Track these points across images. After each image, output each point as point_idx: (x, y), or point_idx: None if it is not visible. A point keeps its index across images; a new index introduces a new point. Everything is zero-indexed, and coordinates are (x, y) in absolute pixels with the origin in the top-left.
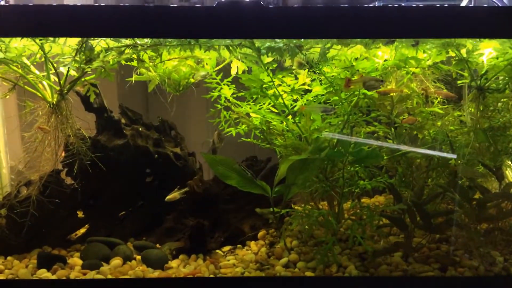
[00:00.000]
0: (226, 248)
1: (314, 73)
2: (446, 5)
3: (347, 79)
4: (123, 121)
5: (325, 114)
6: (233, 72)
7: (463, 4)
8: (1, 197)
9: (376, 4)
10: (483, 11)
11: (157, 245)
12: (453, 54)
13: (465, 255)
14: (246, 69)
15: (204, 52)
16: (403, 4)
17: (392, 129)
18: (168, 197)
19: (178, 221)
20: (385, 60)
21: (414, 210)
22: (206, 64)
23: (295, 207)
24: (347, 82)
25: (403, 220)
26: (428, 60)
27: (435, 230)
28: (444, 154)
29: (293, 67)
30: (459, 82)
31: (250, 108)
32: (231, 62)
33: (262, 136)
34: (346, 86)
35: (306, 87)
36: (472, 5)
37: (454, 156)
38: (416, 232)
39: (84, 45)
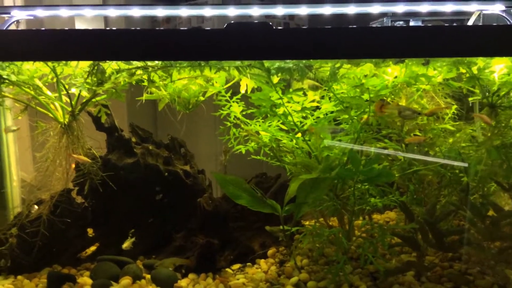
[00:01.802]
0: (236, 266)
1: (323, 90)
2: (455, 25)
3: (381, 104)
4: (133, 139)
5: (335, 134)
6: (242, 90)
7: (472, 20)
8: (12, 216)
9: (385, 20)
10: (493, 30)
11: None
12: (463, 71)
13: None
14: (256, 87)
15: (215, 73)
16: (411, 20)
17: (403, 145)
18: (124, 245)
19: (188, 239)
20: (395, 77)
21: (427, 228)
22: (216, 82)
23: (305, 223)
24: (380, 107)
25: (416, 239)
26: (438, 76)
27: (448, 248)
28: (455, 163)
29: (304, 87)
30: (470, 99)
31: (260, 126)
32: (240, 80)
33: (271, 154)
34: (378, 111)
35: (316, 104)
36: (480, 20)
37: (465, 164)
38: (429, 250)
39: (95, 67)
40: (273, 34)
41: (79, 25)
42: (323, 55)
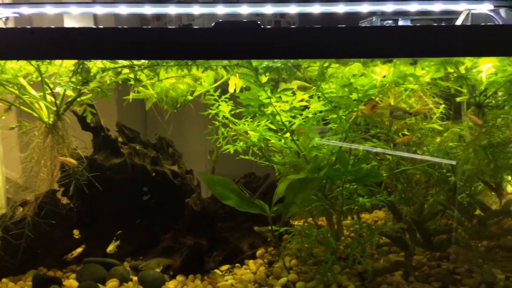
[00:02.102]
0: (224, 267)
1: (312, 89)
2: (443, 25)
3: (372, 105)
4: (120, 139)
5: (323, 134)
6: (230, 89)
7: (460, 19)
8: None
9: (374, 19)
10: (481, 30)
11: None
12: (451, 70)
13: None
14: (244, 86)
15: (202, 72)
16: (400, 19)
17: (391, 145)
18: (108, 249)
19: (176, 240)
20: (383, 77)
21: (414, 228)
22: (204, 81)
23: (294, 223)
24: (371, 107)
25: (404, 239)
26: (426, 76)
27: (436, 248)
28: (444, 160)
29: (293, 88)
30: (458, 98)
31: (248, 126)
32: (229, 79)
33: (260, 153)
34: (370, 111)
35: (304, 103)
36: (469, 20)
37: (453, 163)
38: (416, 249)
39: (80, 66)
40: (261, 33)
41: (68, 23)
42: (311, 54)
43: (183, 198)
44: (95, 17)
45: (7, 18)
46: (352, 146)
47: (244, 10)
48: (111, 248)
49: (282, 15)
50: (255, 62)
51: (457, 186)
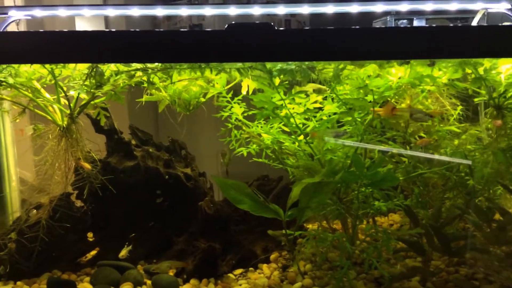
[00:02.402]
0: (238, 271)
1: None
2: (461, 25)
3: (392, 107)
4: (133, 142)
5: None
6: (243, 91)
7: (476, 18)
8: (11, 220)
9: (388, 18)
10: (499, 30)
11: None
12: (469, 71)
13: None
14: (257, 88)
15: (216, 75)
16: (414, 19)
17: (408, 147)
18: (120, 254)
19: (189, 243)
20: (399, 78)
21: (432, 233)
22: (217, 83)
23: (308, 227)
24: (391, 109)
25: (421, 244)
26: (443, 77)
27: (454, 253)
28: (463, 161)
29: (308, 91)
30: (476, 99)
31: (261, 128)
32: (241, 80)
33: (273, 156)
34: (390, 113)
35: (318, 105)
36: (485, 19)
37: (471, 165)
38: (434, 254)
39: (94, 70)
40: (275, 35)
41: (80, 25)
42: (326, 56)
43: (196, 201)
44: (106, 19)
45: (19, 21)
46: (368, 147)
47: (256, 10)
48: (123, 253)
49: (293, 15)
50: (269, 64)
51: (475, 190)
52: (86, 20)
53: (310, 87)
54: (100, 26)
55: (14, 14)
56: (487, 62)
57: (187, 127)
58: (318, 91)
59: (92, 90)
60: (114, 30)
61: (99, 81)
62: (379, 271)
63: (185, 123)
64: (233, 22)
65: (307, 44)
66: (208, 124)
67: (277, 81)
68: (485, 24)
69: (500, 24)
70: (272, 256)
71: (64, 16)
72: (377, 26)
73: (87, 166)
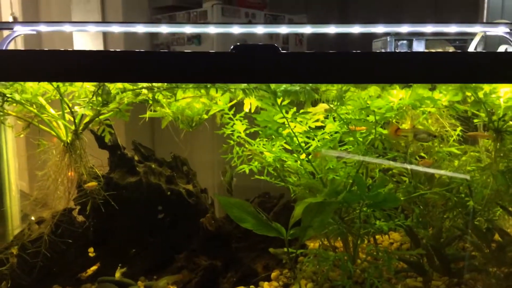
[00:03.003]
0: None
1: (325, 111)
2: (462, 51)
3: (396, 127)
4: (136, 158)
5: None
6: (246, 109)
7: (475, 41)
8: (11, 235)
9: (388, 38)
10: (502, 57)
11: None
12: (469, 94)
13: None
14: (261, 107)
15: (221, 95)
16: (414, 40)
17: (408, 168)
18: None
19: (190, 260)
20: (400, 99)
21: (433, 253)
22: (219, 100)
23: (308, 245)
24: (395, 130)
25: (422, 265)
26: (443, 99)
27: (454, 274)
28: (466, 176)
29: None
30: (475, 120)
31: (263, 146)
32: (243, 98)
33: (275, 173)
34: (394, 134)
35: (319, 123)
36: (482, 43)
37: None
38: (434, 275)
39: (101, 88)
40: (279, 58)
41: (78, 40)
42: (330, 79)
43: (197, 217)
44: (104, 34)
45: (15, 37)
46: (369, 165)
47: (258, 30)
48: (117, 275)
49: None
50: (273, 85)
51: (475, 211)
52: (85, 35)
53: (321, 107)
54: (99, 41)
55: (19, 29)
56: (487, 86)
57: (184, 142)
58: (328, 111)
59: (98, 108)
60: (121, 50)
61: (105, 99)
62: None
63: (182, 139)
64: (238, 44)
65: (311, 67)
66: (205, 140)
67: (279, 101)
68: (483, 47)
69: (501, 51)
70: (273, 274)
71: (66, 33)
72: (377, 46)
73: (93, 184)
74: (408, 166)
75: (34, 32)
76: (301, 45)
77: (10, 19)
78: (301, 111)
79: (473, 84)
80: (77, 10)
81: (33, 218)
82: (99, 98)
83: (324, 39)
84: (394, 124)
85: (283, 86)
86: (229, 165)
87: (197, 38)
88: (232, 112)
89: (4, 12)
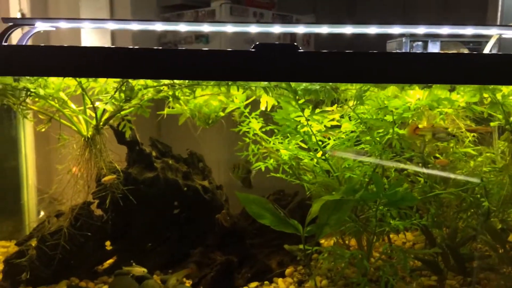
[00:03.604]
0: (253, 284)
1: (342, 109)
2: (481, 54)
3: (415, 127)
4: (153, 153)
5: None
6: (262, 107)
7: (491, 43)
8: (31, 227)
9: (404, 40)
10: None
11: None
12: (486, 95)
13: None
14: (276, 104)
15: (243, 93)
16: (429, 41)
17: (424, 169)
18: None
19: (205, 256)
20: (418, 100)
21: (448, 252)
22: (236, 98)
23: (322, 243)
24: (414, 129)
25: (437, 264)
26: (460, 100)
27: (469, 273)
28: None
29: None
30: (492, 123)
31: (280, 144)
32: (260, 96)
33: (291, 171)
34: (413, 133)
35: (335, 122)
36: (497, 45)
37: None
38: (448, 274)
39: (125, 84)
40: (299, 57)
41: (85, 38)
42: (350, 79)
43: (213, 213)
44: (112, 34)
45: (35, 33)
46: (385, 165)
47: (275, 29)
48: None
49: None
50: (293, 84)
51: (489, 211)
52: (92, 33)
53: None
54: (106, 39)
55: (39, 26)
56: (505, 88)
57: (192, 138)
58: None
59: (121, 104)
60: (146, 47)
61: (128, 95)
62: None
63: (189, 135)
64: (258, 43)
65: (331, 66)
66: (214, 137)
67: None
68: (497, 49)
69: None
70: (288, 271)
71: (70, 31)
72: (391, 47)
73: (111, 177)
74: (419, 169)
75: (54, 29)
76: (309, 46)
77: (19, 16)
78: (317, 110)
79: (491, 86)
80: (86, 8)
81: (42, 213)
82: (122, 94)
83: (334, 40)
84: (413, 123)
85: (303, 85)
86: (245, 160)
87: (205, 37)
88: (248, 110)
89: (12, 9)
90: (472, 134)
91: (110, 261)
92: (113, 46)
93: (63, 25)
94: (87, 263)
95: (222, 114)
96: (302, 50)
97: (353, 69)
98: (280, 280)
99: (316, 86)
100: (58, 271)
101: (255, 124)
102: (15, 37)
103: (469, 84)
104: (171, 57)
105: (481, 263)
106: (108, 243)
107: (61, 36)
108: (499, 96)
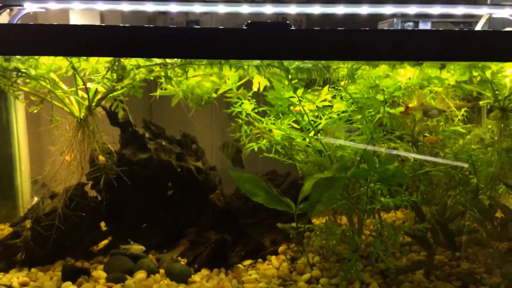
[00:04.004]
0: (247, 262)
1: (335, 89)
2: (471, 30)
3: (406, 106)
4: (146, 135)
5: (349, 133)
6: (254, 88)
7: (481, 23)
8: (25, 209)
9: (395, 20)
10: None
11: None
12: (475, 74)
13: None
14: (268, 85)
15: (235, 72)
16: (420, 22)
17: (414, 147)
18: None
19: (199, 235)
20: (409, 79)
21: (437, 228)
22: (228, 79)
23: (314, 221)
24: (405, 109)
25: (427, 239)
26: (450, 78)
27: (458, 248)
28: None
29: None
30: (481, 102)
31: (273, 124)
32: (252, 77)
33: (283, 152)
34: (404, 113)
35: (327, 103)
36: (487, 26)
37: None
38: (437, 249)
39: (116, 64)
40: (292, 34)
41: (74, 19)
42: (341, 56)
43: (206, 194)
44: (101, 16)
45: (24, 14)
46: (376, 149)
47: (268, 9)
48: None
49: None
50: (285, 62)
51: (478, 188)
52: (80, 14)
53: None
54: (95, 21)
55: (28, 7)
56: (494, 66)
57: (183, 120)
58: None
59: (112, 84)
60: (138, 25)
61: (120, 74)
62: (385, 264)
63: (175, 116)
64: (250, 21)
65: (323, 43)
66: (203, 116)
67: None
68: (488, 29)
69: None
70: (281, 248)
71: (57, 9)
72: (383, 28)
73: (102, 158)
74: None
75: (43, 10)
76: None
77: None
78: (309, 90)
79: (481, 64)
80: None
81: (35, 198)
82: (114, 74)
83: (325, 22)
84: (404, 104)
85: (296, 63)
86: (234, 139)
87: (195, 22)
88: (241, 91)
89: None
90: (461, 112)
91: (105, 241)
92: (104, 24)
93: (52, 5)
94: (82, 244)
95: (214, 95)
96: (294, 28)
97: (345, 46)
98: (273, 257)
99: (309, 64)
100: (53, 252)
101: (248, 105)
102: (3, 20)
103: (460, 61)
104: (162, 35)
105: (470, 238)
106: (103, 224)
107: (50, 19)
108: (488, 74)
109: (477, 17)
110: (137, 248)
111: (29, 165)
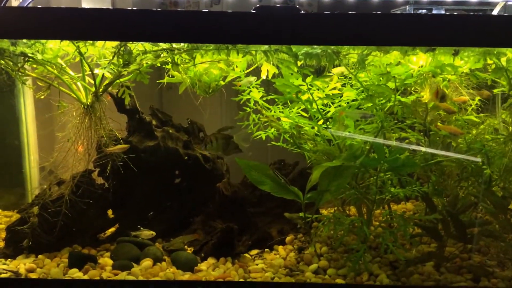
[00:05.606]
0: (254, 251)
1: (345, 77)
2: (485, 15)
3: (436, 91)
4: (153, 122)
5: (364, 119)
6: (263, 75)
7: (496, 9)
8: (33, 196)
9: (407, 8)
10: None
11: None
12: (490, 62)
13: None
14: (277, 72)
15: (242, 57)
16: (433, 9)
17: (425, 137)
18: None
19: (205, 224)
20: (421, 66)
21: (449, 220)
22: (236, 66)
23: (322, 211)
24: (436, 93)
25: (437, 230)
26: (464, 66)
27: (469, 240)
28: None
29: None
30: (495, 90)
31: (282, 112)
32: (261, 65)
33: (291, 140)
34: (435, 97)
35: (337, 91)
36: (503, 12)
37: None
38: (448, 241)
39: (122, 48)
40: (302, 19)
41: (86, 4)
42: (352, 41)
43: (213, 182)
44: (112, 1)
45: None
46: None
47: None
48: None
49: None
50: (294, 48)
51: (491, 179)
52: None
53: (339, 70)
54: (107, 4)
55: None
56: (509, 53)
57: (192, 107)
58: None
59: (119, 69)
60: (145, 9)
61: (127, 59)
62: (394, 255)
63: (187, 104)
64: (258, 6)
65: (333, 28)
66: (213, 104)
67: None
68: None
69: None
70: (288, 238)
71: None
72: None
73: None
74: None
75: None
76: None
77: None
78: (320, 77)
79: (496, 50)
80: None
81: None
82: (120, 60)
83: (337, 9)
84: (436, 89)
85: (305, 49)
86: (217, 130)
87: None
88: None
89: None
90: (475, 102)
91: (112, 229)
92: (112, 8)
93: None
94: (89, 231)
95: (222, 83)
96: (303, 12)
97: (355, 31)
98: (280, 247)
99: (318, 50)
100: (60, 239)
101: (256, 93)
102: (15, 4)
103: (474, 47)
104: (170, 19)
105: (482, 230)
106: (110, 211)
107: (62, 3)
108: (503, 61)
109: (492, 5)
110: (147, 233)
111: (37, 152)
